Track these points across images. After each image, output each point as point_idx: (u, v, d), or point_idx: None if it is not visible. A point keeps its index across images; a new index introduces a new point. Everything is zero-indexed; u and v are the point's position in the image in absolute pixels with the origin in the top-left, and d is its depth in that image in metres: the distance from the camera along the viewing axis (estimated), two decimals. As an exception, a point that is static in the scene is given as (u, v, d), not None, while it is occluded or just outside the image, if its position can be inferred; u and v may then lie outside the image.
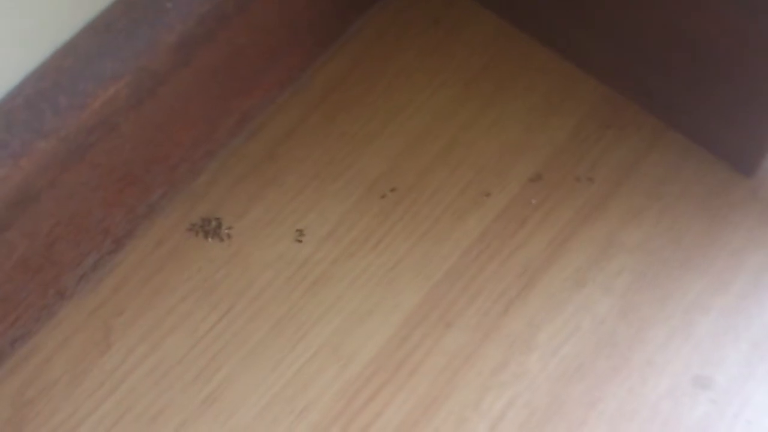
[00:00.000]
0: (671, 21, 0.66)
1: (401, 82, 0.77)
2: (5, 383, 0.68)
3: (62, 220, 0.65)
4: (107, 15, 0.62)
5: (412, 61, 0.78)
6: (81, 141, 0.62)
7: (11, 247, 0.63)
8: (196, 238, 0.72)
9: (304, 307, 0.69)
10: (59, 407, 0.66)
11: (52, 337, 0.69)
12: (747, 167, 0.72)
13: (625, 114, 0.75)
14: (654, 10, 0.66)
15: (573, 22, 0.73)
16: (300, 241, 0.72)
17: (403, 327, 0.68)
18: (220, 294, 0.70)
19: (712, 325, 0.68)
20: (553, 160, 0.73)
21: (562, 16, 0.74)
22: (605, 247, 0.70)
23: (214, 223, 0.73)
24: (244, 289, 0.70)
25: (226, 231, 0.72)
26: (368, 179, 0.73)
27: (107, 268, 0.71)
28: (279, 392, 0.67)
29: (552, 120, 0.75)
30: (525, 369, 0.67)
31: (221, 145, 0.75)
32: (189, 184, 0.74)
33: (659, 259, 0.70)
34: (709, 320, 0.68)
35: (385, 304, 0.69)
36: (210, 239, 0.72)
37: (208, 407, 0.66)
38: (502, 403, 0.66)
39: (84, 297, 0.70)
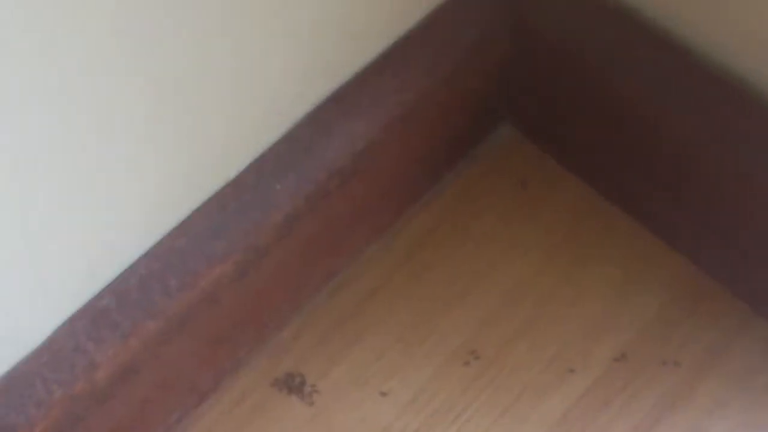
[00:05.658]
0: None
1: (485, 244, 0.78)
2: None
3: (157, 385, 0.66)
4: (219, 197, 0.63)
5: (496, 224, 0.78)
6: (185, 317, 0.63)
7: (110, 415, 0.64)
8: (279, 394, 0.73)
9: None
10: None
11: (139, 498, 0.69)
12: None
13: (713, 294, 0.74)
14: (755, 199, 0.66)
15: (659, 195, 0.74)
16: (382, 407, 0.72)
17: None
18: (303, 460, 0.70)
19: None
20: (638, 339, 0.73)
21: (648, 188, 0.74)
22: (690, 439, 0.70)
23: (298, 380, 0.74)
24: (327, 457, 0.71)
25: (310, 389, 0.73)
26: (452, 345, 0.74)
27: (190, 421, 0.72)
28: None
29: (636, 294, 0.75)
30: None
31: (307, 299, 0.76)
32: (274, 338, 0.75)
33: (744, 454, 0.70)
34: None
35: (469, 489, 0.69)
36: (294, 396, 0.73)
37: None
38: None
39: (170, 455, 0.71)
